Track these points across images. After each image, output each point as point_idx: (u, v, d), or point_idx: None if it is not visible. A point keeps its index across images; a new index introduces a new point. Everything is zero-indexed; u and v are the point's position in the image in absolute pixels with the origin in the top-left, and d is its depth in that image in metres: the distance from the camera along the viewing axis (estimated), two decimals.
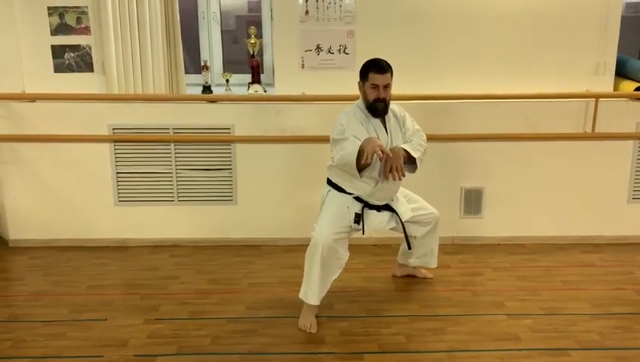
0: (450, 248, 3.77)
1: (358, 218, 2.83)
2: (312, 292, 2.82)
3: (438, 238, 3.20)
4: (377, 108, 2.79)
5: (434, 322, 2.85)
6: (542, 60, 3.72)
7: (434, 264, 3.25)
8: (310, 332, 2.77)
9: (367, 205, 2.87)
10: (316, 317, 2.85)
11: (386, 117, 2.87)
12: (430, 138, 3.62)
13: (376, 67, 2.77)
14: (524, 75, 3.70)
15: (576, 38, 3.71)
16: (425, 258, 3.23)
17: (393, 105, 2.91)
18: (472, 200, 3.80)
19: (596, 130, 3.67)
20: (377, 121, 2.85)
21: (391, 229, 2.98)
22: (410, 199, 3.06)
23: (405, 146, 2.83)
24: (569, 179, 3.79)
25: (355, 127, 2.76)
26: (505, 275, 3.38)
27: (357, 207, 2.85)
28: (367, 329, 2.79)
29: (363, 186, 2.84)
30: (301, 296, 2.86)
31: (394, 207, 2.93)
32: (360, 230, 2.85)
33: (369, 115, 2.83)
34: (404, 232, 2.95)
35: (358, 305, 3.03)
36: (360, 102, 2.88)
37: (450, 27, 3.69)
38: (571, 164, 3.76)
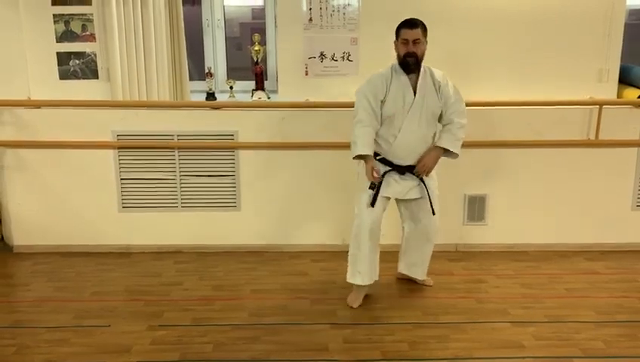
0: (454, 255, 3.77)
1: (373, 186, 2.92)
2: (361, 274, 3.01)
3: (432, 251, 3.23)
4: (408, 62, 2.85)
5: (438, 329, 2.84)
6: (545, 67, 3.72)
7: (422, 276, 3.27)
8: (352, 307, 3.03)
9: (393, 168, 2.97)
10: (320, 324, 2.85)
11: (420, 78, 2.90)
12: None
13: (406, 23, 2.87)
14: (527, 82, 3.71)
15: (579, 45, 3.72)
16: (414, 268, 3.26)
17: (436, 70, 2.96)
18: (476, 207, 3.80)
19: (600, 138, 3.67)
20: (406, 81, 2.90)
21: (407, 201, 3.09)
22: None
23: (445, 144, 2.96)
24: (572, 186, 3.78)
25: (373, 87, 2.91)
26: (508, 282, 3.38)
27: (382, 170, 2.97)
28: (371, 336, 2.79)
29: (382, 142, 2.96)
30: (350, 279, 3.05)
31: (423, 178, 3.04)
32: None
33: (400, 73, 2.90)
34: (430, 203, 3.04)
35: (362, 311, 3.02)
36: (395, 62, 2.95)
37: (453, 34, 3.70)
38: (575, 171, 3.76)
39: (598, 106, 3.64)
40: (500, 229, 3.83)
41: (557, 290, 3.28)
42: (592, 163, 3.75)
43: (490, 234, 3.83)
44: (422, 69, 2.90)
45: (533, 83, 3.70)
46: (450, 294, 3.23)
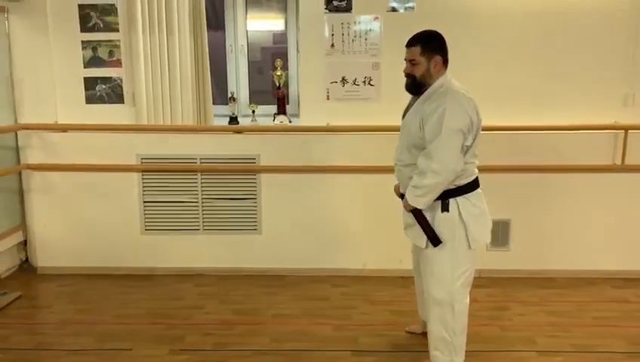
0: (477, 281, 3.63)
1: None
2: (461, 353, 2.60)
3: (434, 327, 2.61)
4: (405, 83, 2.54)
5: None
6: (570, 92, 3.70)
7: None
8: None
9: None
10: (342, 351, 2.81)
11: (416, 102, 2.53)
12: None
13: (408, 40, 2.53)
14: (551, 107, 3.68)
15: (604, 70, 3.69)
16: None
17: (441, 97, 2.41)
18: (499, 233, 3.74)
19: (626, 162, 3.61)
20: (412, 104, 2.57)
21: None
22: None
23: (406, 195, 2.51)
24: (598, 212, 3.72)
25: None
26: (534, 310, 3.31)
27: None
28: None
29: None
30: None
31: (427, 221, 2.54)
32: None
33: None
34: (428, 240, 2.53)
35: (384, 339, 2.98)
36: None
37: (476, 59, 3.70)
38: (600, 197, 3.70)
39: (623, 131, 3.59)
40: (524, 255, 3.76)
41: (585, 319, 3.20)
42: (618, 188, 3.68)
43: (514, 260, 3.77)
44: (426, 92, 2.48)
45: (558, 107, 3.67)
46: (475, 321, 3.13)
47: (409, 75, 2.52)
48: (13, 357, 2.80)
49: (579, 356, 2.80)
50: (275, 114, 4.12)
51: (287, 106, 4.19)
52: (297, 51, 4.12)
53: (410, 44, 2.51)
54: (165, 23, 3.70)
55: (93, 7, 3.71)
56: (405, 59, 2.53)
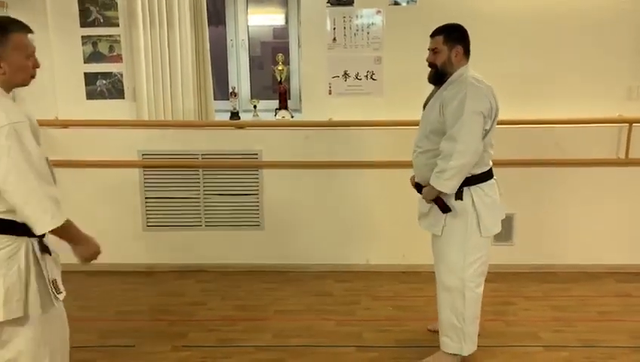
0: None
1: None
2: (471, 342, 2.61)
3: (448, 311, 2.61)
4: (428, 74, 2.60)
5: None
6: (573, 85, 3.68)
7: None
8: None
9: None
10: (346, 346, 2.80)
11: (438, 90, 2.58)
12: None
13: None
14: (554, 100, 3.66)
15: (608, 63, 3.67)
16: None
17: (462, 84, 2.47)
18: (503, 227, 3.69)
19: (630, 156, 3.59)
20: (434, 93, 2.62)
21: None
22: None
23: (431, 181, 2.50)
24: (602, 206, 3.70)
25: None
26: (538, 305, 3.30)
27: None
28: (398, 359, 2.73)
29: None
30: (455, 351, 2.60)
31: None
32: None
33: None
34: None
35: (388, 334, 2.97)
36: None
37: (479, 52, 3.65)
38: (604, 191, 3.68)
39: (627, 124, 3.57)
40: (527, 250, 3.75)
41: (589, 313, 3.19)
42: (622, 182, 3.66)
43: (517, 254, 3.75)
44: (447, 81, 2.53)
45: (561, 101, 3.65)
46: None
47: (431, 65, 2.59)
48: None
49: (584, 350, 2.78)
50: (277, 109, 4.10)
51: (288, 101, 4.16)
52: (299, 46, 4.09)
53: (434, 33, 2.59)
54: (166, 17, 3.68)
55: (93, 1, 3.69)
56: (429, 49, 2.60)
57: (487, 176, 2.55)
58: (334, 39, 3.70)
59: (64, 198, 3.56)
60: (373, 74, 3.74)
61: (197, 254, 3.83)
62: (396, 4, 3.65)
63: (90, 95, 3.83)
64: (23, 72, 1.91)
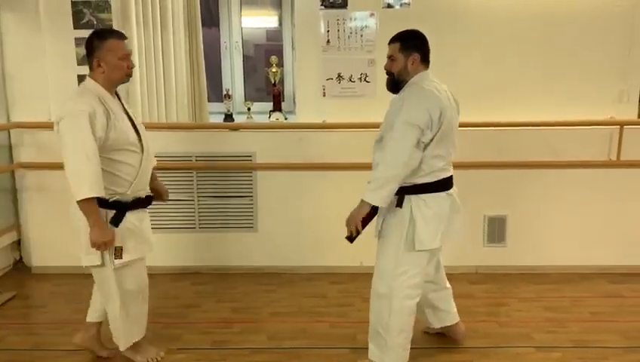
0: (474, 277, 3.72)
1: None
2: (395, 355, 2.56)
3: (378, 320, 2.56)
4: (386, 81, 2.58)
5: (461, 354, 2.79)
6: (564, 87, 3.71)
7: None
8: None
9: None
10: (340, 348, 2.81)
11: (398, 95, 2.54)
12: (453, 165, 3.63)
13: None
14: (546, 102, 3.69)
15: (599, 66, 3.70)
16: None
17: (408, 91, 2.45)
18: (496, 229, 3.76)
19: (621, 158, 3.63)
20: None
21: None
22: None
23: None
24: (594, 207, 3.73)
25: None
26: (531, 306, 3.32)
27: None
28: None
29: None
30: (376, 359, 2.57)
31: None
32: None
33: None
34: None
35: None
36: None
37: (471, 55, 3.70)
38: (596, 192, 3.72)
39: (619, 127, 3.61)
40: (520, 251, 3.78)
41: (581, 314, 3.21)
42: (613, 183, 3.70)
43: (510, 256, 3.78)
44: (404, 88, 2.51)
45: (553, 103, 3.68)
46: (472, 318, 3.17)
47: (388, 73, 2.55)
48: (9, 358, 2.78)
49: (577, 351, 2.81)
50: (271, 111, 4.10)
51: (282, 103, 4.17)
52: (293, 48, 4.10)
53: (391, 41, 2.55)
54: (160, 19, 3.67)
55: (87, 3, 3.67)
56: (387, 57, 2.57)
57: (432, 187, 2.47)
58: (328, 41, 3.71)
59: (58, 201, 3.59)
60: (367, 76, 3.76)
61: (191, 256, 3.82)
62: (389, 6, 3.67)
63: None
64: (119, 71, 2.42)
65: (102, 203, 2.39)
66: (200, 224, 3.80)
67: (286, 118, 4.07)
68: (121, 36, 2.48)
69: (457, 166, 3.60)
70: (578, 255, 3.78)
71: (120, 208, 2.47)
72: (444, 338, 2.92)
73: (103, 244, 2.39)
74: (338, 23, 3.68)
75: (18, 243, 3.95)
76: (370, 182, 2.43)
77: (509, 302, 3.37)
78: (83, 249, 2.48)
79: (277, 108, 4.09)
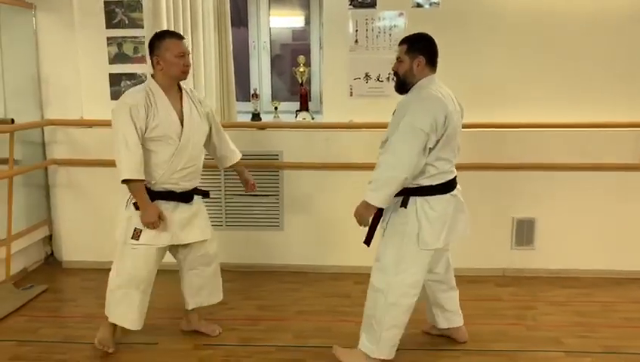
0: (502, 280, 3.68)
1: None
2: (386, 347, 2.59)
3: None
4: (395, 83, 2.61)
5: (488, 357, 2.76)
6: (595, 88, 3.63)
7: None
8: None
9: None
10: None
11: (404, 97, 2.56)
12: (481, 167, 3.61)
13: None
14: (577, 104, 3.62)
15: (634, 66, 3.62)
16: None
17: (416, 93, 2.47)
18: (524, 231, 3.70)
19: None
20: None
21: None
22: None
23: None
24: (625, 211, 3.66)
25: None
26: (560, 310, 3.26)
27: None
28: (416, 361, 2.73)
29: None
30: (367, 351, 2.60)
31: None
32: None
33: None
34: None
35: (406, 336, 2.92)
36: None
37: (501, 55, 3.66)
38: (628, 195, 3.64)
39: None
40: (549, 254, 3.72)
41: (612, 319, 3.15)
42: None
43: (539, 259, 3.73)
44: (410, 90, 2.53)
45: (586, 104, 3.61)
46: (500, 320, 3.14)
47: (395, 73, 2.59)
48: (42, 350, 2.85)
49: (608, 357, 2.75)
50: (298, 110, 4.12)
51: (309, 103, 4.18)
52: (320, 47, 4.11)
53: (400, 43, 2.58)
54: (190, 19, 3.72)
55: (119, 3, 3.74)
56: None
57: (437, 189, 2.49)
58: (356, 41, 3.71)
59: (88, 197, 3.65)
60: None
61: (218, 254, 3.85)
62: (419, 6, 3.65)
63: (115, 96, 3.86)
64: (176, 67, 2.62)
65: None
66: (227, 222, 3.83)
67: (313, 118, 4.08)
68: (178, 36, 2.69)
69: (486, 167, 3.61)
70: (609, 259, 3.70)
71: (149, 194, 2.64)
72: (469, 340, 2.90)
73: (150, 224, 2.62)
74: (367, 23, 3.67)
75: (50, 238, 4.04)
76: (370, 182, 2.45)
77: (537, 305, 3.33)
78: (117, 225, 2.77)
79: (304, 107, 4.11)
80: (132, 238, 2.68)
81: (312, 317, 3.20)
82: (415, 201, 2.48)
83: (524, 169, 3.63)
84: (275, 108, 4.13)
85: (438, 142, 2.42)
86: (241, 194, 3.80)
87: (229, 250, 3.86)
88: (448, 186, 2.53)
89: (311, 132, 3.78)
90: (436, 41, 3.67)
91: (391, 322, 2.54)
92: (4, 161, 3.52)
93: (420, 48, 2.52)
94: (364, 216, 2.51)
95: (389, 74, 3.74)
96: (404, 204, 2.49)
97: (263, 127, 3.84)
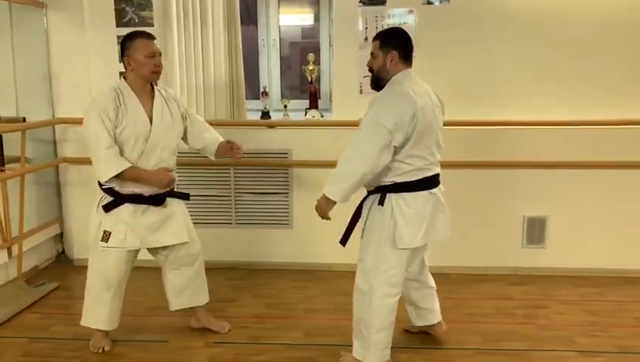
0: (513, 279, 3.65)
1: None
2: (377, 351, 2.57)
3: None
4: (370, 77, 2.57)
5: (499, 357, 2.74)
6: (609, 86, 3.59)
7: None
8: None
9: None
10: None
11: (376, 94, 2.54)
12: (492, 165, 3.59)
13: None
14: (590, 101, 3.58)
15: None
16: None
17: (388, 89, 2.45)
18: (535, 230, 3.67)
19: None
20: None
21: None
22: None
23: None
24: (638, 210, 3.61)
25: None
26: (572, 309, 3.23)
27: None
28: (429, 360, 2.71)
29: None
30: (359, 357, 2.58)
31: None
32: None
33: None
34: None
35: (418, 336, 2.94)
36: None
37: (512, 52, 3.63)
38: None
39: None
40: (561, 253, 3.68)
41: (626, 319, 3.11)
42: None
43: (550, 257, 3.70)
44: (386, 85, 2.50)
45: (597, 102, 3.57)
46: (511, 320, 3.11)
47: (370, 70, 2.55)
48: (53, 347, 2.87)
49: (621, 357, 2.72)
50: (307, 108, 4.11)
51: (318, 101, 4.17)
52: (330, 45, 4.10)
53: (373, 38, 2.55)
54: (200, 17, 3.72)
55: (129, 2, 3.75)
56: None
57: (412, 186, 2.45)
58: (366, 38, 3.69)
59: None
60: None
61: (227, 251, 3.86)
62: (429, 3, 3.63)
63: None
64: (146, 68, 2.60)
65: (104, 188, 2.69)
66: (236, 220, 3.83)
67: (322, 116, 4.07)
68: (148, 36, 2.66)
69: (497, 165, 3.58)
70: (622, 258, 3.67)
71: (116, 197, 2.67)
72: (477, 339, 2.90)
73: (165, 185, 2.67)
74: (376, 20, 3.65)
75: (60, 236, 4.06)
76: (331, 175, 2.44)
77: (549, 304, 3.30)
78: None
79: (313, 105, 4.10)
80: (101, 241, 2.68)
81: (321, 316, 3.19)
82: (391, 198, 2.45)
83: (536, 167, 3.60)
84: (285, 106, 4.13)
85: (408, 140, 2.37)
86: (250, 192, 3.80)
87: (239, 247, 3.87)
88: (426, 183, 2.48)
89: (320, 130, 3.77)
90: (447, 38, 3.67)
91: (378, 324, 2.52)
92: (15, 160, 3.54)
93: (394, 43, 2.48)
94: (324, 209, 2.50)
95: None
96: (381, 202, 2.48)
97: (272, 125, 3.84)
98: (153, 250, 2.87)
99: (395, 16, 3.65)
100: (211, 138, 2.90)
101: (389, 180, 2.45)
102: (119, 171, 2.56)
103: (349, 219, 2.59)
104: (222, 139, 2.91)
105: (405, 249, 2.48)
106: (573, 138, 3.56)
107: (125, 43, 2.64)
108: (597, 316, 3.14)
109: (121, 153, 2.61)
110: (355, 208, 2.64)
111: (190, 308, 2.98)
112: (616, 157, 3.55)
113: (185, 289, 2.92)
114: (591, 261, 3.68)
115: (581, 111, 3.54)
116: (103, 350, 2.80)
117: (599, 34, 3.56)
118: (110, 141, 2.56)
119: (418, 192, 2.46)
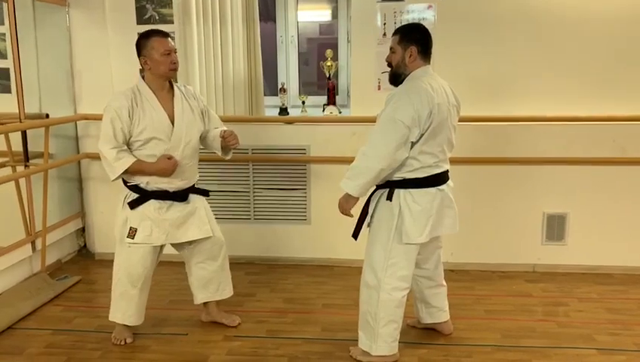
0: (532, 276, 3.63)
1: None
2: (384, 343, 2.59)
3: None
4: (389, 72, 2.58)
5: (518, 353, 2.72)
6: (630, 81, 3.54)
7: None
8: None
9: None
10: (402, 343, 2.79)
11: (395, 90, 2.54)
12: (512, 161, 3.57)
13: None
14: (612, 97, 3.54)
15: None
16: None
17: (406, 86, 2.44)
18: (555, 226, 3.64)
19: None
20: None
21: None
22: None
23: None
24: None
25: None
26: (592, 306, 3.20)
27: None
28: (448, 357, 2.71)
29: None
30: (365, 348, 2.62)
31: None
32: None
33: None
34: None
35: (438, 331, 2.94)
36: None
37: (533, 45, 3.59)
38: None
39: None
40: (581, 250, 3.65)
41: None
42: None
43: (570, 254, 3.66)
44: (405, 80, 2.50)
45: (619, 97, 3.52)
46: (530, 317, 3.10)
47: (388, 64, 2.56)
48: (76, 339, 2.93)
49: None
50: (325, 105, 4.12)
51: (336, 97, 4.17)
52: (348, 41, 4.10)
53: (393, 33, 2.56)
54: (219, 14, 3.75)
55: None
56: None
57: (421, 183, 2.46)
58: (384, 34, 3.68)
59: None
60: None
61: (246, 247, 3.90)
62: None
63: None
64: (163, 66, 2.63)
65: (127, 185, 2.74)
66: (255, 215, 3.86)
67: (340, 112, 4.08)
68: (163, 34, 2.69)
69: (518, 162, 3.56)
70: None
71: (142, 194, 2.70)
72: (496, 335, 2.89)
73: (168, 172, 2.66)
74: (395, 16, 3.64)
75: (82, 231, 4.13)
76: (348, 169, 2.46)
77: (568, 301, 3.27)
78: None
79: (331, 101, 4.11)
80: (127, 237, 2.71)
81: (339, 311, 3.21)
82: (399, 194, 2.46)
83: (556, 163, 3.57)
84: (303, 102, 4.14)
85: (422, 135, 2.38)
86: (269, 188, 3.83)
87: (257, 243, 3.90)
88: (434, 180, 2.49)
89: (338, 126, 3.77)
90: (466, 34, 3.64)
91: (387, 317, 2.54)
92: (39, 155, 3.61)
93: (413, 38, 2.48)
94: (345, 206, 2.53)
95: None
96: (389, 198, 2.48)
97: (290, 122, 3.86)
98: (178, 245, 2.90)
99: (414, 12, 3.64)
100: (213, 136, 2.88)
101: (398, 176, 2.47)
102: (123, 169, 2.61)
103: (360, 213, 2.60)
104: (224, 129, 2.89)
105: (412, 244, 2.49)
106: (593, 134, 3.52)
107: (140, 42, 2.67)
108: (618, 314, 3.11)
109: (146, 153, 2.64)
110: (365, 201, 2.65)
111: (204, 303, 3.01)
112: (638, 153, 3.50)
113: (209, 282, 2.96)
114: (612, 258, 3.64)
115: (602, 107, 3.50)
116: (125, 342, 2.85)
117: (621, 29, 3.50)
118: (115, 141, 2.60)
119: (426, 189, 2.48)
